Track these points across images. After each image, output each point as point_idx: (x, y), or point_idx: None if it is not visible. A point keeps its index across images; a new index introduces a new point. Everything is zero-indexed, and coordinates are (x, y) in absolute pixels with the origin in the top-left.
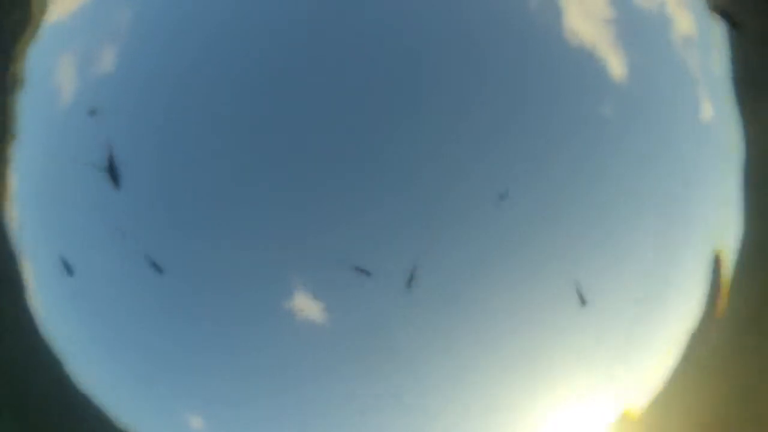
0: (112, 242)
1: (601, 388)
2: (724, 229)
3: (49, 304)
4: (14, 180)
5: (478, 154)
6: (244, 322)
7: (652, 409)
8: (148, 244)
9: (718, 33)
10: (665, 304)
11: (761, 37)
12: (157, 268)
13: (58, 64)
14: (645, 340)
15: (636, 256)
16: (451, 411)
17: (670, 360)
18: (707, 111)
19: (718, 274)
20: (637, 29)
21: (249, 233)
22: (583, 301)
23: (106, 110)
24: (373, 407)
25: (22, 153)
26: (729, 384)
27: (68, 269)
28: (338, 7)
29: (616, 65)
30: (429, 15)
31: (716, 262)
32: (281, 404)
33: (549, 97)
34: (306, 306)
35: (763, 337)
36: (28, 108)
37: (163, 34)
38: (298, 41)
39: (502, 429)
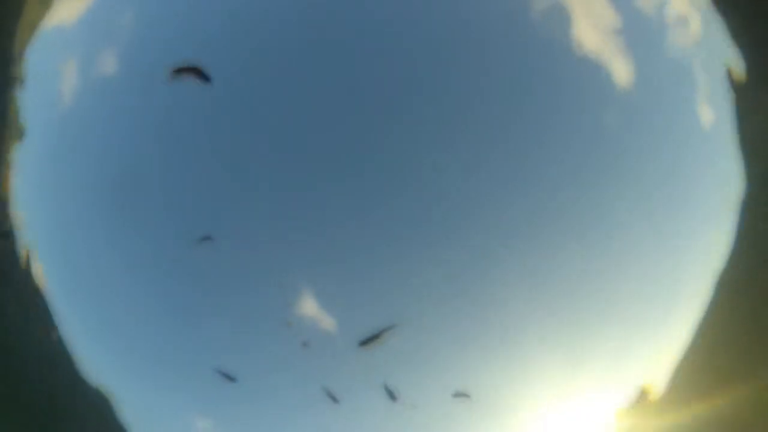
0: (114, 242)
1: (595, 393)
2: (725, 232)
3: (51, 304)
4: (16, 180)
5: (481, 157)
6: (248, 324)
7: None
8: (149, 245)
9: (720, 35)
10: (666, 308)
11: (762, 37)
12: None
13: (59, 66)
14: (643, 343)
15: (637, 257)
16: (451, 411)
17: (668, 364)
18: (709, 115)
19: (719, 276)
20: (639, 34)
21: (251, 235)
22: (392, 397)
23: (107, 112)
24: (372, 407)
25: (23, 153)
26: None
27: (229, 377)
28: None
29: (619, 72)
30: (431, 21)
31: (717, 264)
32: (283, 404)
33: (551, 102)
34: (307, 309)
35: (759, 336)
36: (30, 109)
37: (164, 37)
38: (299, 42)
39: (500, 429)
